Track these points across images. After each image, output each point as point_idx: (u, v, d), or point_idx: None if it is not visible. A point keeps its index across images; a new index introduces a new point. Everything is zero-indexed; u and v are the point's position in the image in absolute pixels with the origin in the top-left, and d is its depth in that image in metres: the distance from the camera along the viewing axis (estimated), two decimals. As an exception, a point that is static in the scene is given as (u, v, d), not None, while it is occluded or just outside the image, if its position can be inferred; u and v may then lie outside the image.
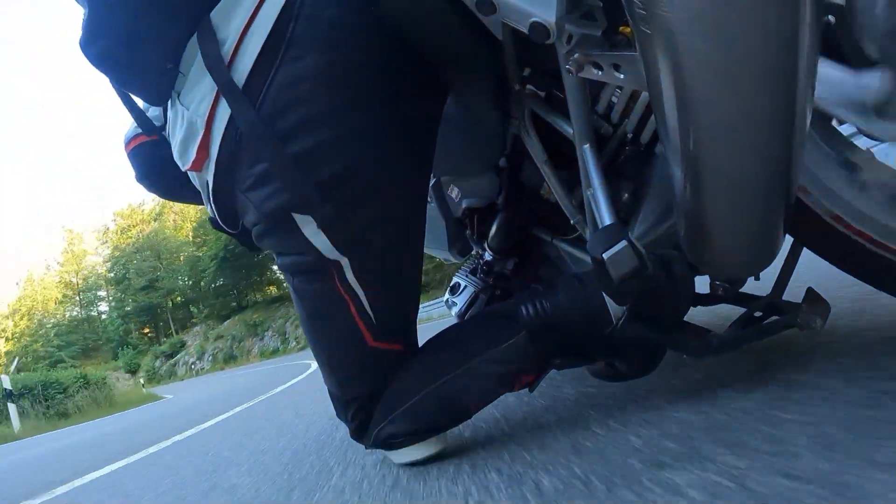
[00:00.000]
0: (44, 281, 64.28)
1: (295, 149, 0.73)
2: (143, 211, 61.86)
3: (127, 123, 1.05)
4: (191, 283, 53.17)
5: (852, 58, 0.53)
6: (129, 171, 1.06)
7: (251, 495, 1.00)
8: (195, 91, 0.77)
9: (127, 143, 1.07)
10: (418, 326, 0.91)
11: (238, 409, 3.35)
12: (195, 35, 0.76)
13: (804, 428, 0.54)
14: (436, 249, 1.43)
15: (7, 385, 10.73)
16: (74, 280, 63.41)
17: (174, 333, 53.76)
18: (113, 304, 59.90)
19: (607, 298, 0.74)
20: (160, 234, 57.58)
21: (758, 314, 0.79)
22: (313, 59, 0.72)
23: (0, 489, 2.41)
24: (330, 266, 0.79)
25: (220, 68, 0.73)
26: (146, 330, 57.90)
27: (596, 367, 0.83)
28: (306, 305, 0.86)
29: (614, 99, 0.81)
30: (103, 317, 61.02)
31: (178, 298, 56.12)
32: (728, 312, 0.81)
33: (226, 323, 44.35)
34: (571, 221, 0.92)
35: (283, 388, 4.29)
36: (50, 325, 59.86)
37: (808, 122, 0.46)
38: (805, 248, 0.75)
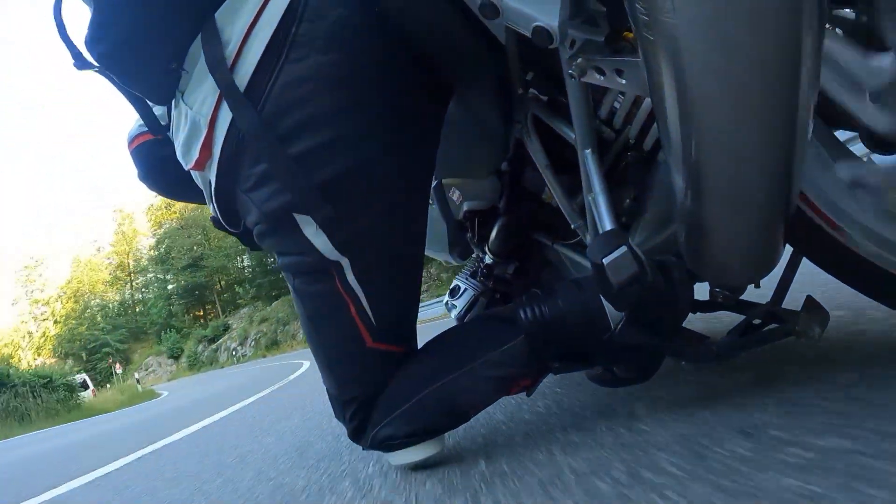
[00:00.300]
0: (90, 262, 61.56)
1: (296, 149, 0.73)
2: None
3: (127, 122, 1.05)
4: (239, 261, 47.97)
5: (867, 41, 0.53)
6: (128, 170, 1.06)
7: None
8: (199, 91, 0.77)
9: (130, 142, 1.07)
10: (418, 327, 0.91)
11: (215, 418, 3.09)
12: (199, 35, 0.77)
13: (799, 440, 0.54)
14: (436, 252, 1.43)
15: None
16: (125, 261, 60.88)
17: (220, 316, 49.45)
18: (155, 283, 56.53)
19: (606, 304, 0.74)
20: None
21: (757, 322, 0.79)
22: (316, 59, 0.73)
23: None
24: (330, 266, 0.79)
25: (222, 69, 0.74)
26: (200, 312, 53.74)
27: (594, 372, 0.83)
28: (306, 306, 0.86)
29: (617, 104, 0.81)
30: (140, 296, 57.78)
31: (224, 279, 51.40)
32: (728, 320, 0.81)
33: (273, 304, 38.99)
34: (572, 226, 0.92)
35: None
36: (96, 308, 57.40)
37: (810, 130, 0.46)
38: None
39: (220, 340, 42.71)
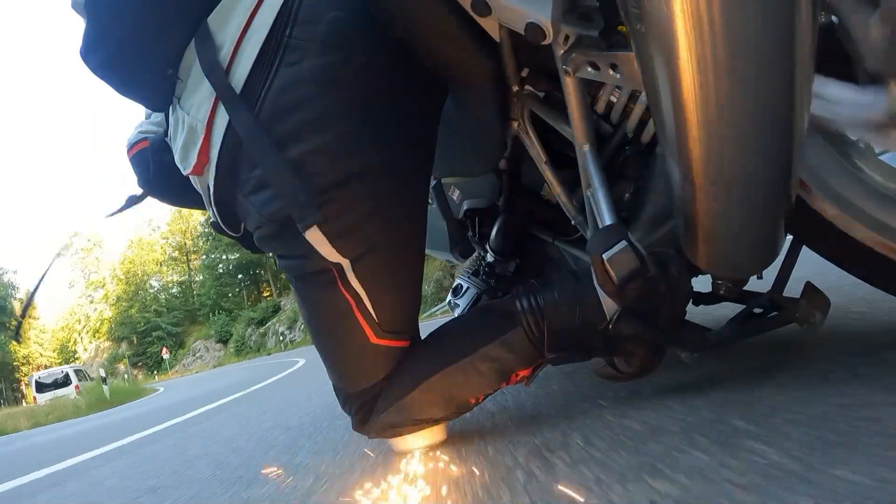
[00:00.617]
0: (141, 241, 57.91)
1: (294, 153, 0.73)
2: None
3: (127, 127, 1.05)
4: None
5: (855, 72, 0.52)
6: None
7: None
8: (195, 96, 0.77)
9: (129, 149, 1.07)
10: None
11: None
12: (193, 41, 0.77)
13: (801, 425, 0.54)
14: (438, 251, 1.43)
15: None
16: (182, 240, 56.74)
17: (273, 296, 44.07)
18: (204, 261, 51.82)
19: (602, 295, 0.74)
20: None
21: (757, 311, 0.78)
22: (311, 62, 0.73)
23: None
24: (332, 268, 0.80)
25: (217, 73, 0.74)
26: (255, 293, 48.46)
27: (598, 366, 0.83)
28: (309, 307, 0.86)
29: (613, 99, 0.80)
30: (199, 278, 52.77)
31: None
32: (731, 311, 0.80)
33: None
34: (572, 222, 0.92)
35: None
36: (148, 289, 54.52)
37: (807, 119, 0.46)
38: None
39: (269, 324, 38.01)
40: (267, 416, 2.13)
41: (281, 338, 34.03)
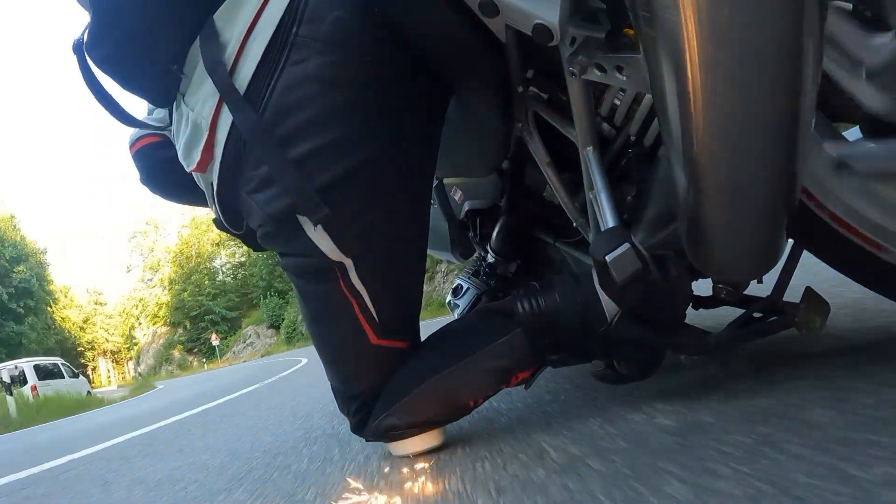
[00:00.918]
0: (196, 221, 53.63)
1: (298, 151, 0.73)
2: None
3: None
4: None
5: (870, 21, 0.53)
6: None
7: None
8: (199, 93, 0.77)
9: (132, 145, 1.07)
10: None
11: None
12: (199, 37, 0.77)
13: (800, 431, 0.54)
14: (439, 251, 1.43)
15: None
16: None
17: None
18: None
19: (603, 297, 0.74)
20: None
21: (757, 315, 0.79)
22: (316, 61, 0.73)
23: None
24: (334, 267, 0.80)
25: (221, 72, 0.74)
26: None
27: (597, 369, 0.83)
28: (311, 306, 0.86)
29: (617, 101, 0.81)
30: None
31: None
32: (732, 315, 0.81)
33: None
34: (574, 224, 0.92)
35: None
36: (202, 272, 50.22)
37: (812, 125, 0.46)
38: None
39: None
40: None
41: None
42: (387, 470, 0.84)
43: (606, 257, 0.65)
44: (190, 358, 44.55)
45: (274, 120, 0.74)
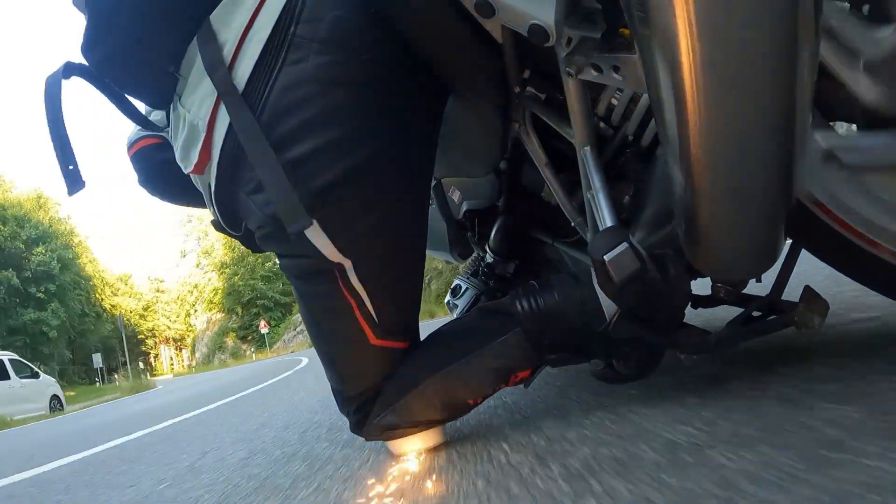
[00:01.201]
0: None
1: (295, 153, 0.73)
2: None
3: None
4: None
5: (871, 13, 0.53)
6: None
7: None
8: (196, 94, 0.77)
9: (129, 147, 1.07)
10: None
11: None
12: (195, 38, 0.77)
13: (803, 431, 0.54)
14: (437, 251, 1.43)
15: None
16: None
17: None
18: None
19: (602, 297, 0.74)
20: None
21: (756, 314, 0.79)
22: (314, 61, 0.73)
23: None
24: (333, 268, 0.80)
25: (219, 72, 0.74)
26: None
27: (596, 368, 0.83)
28: (310, 307, 0.86)
29: (615, 101, 0.81)
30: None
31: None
32: (730, 315, 0.81)
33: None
34: (572, 224, 0.92)
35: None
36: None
37: (809, 123, 0.46)
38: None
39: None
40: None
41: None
42: (387, 469, 0.84)
43: (605, 257, 0.65)
44: (244, 346, 42.75)
45: (272, 121, 0.73)
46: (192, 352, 53.83)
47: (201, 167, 0.80)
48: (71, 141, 0.86)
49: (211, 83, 0.75)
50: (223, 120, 0.75)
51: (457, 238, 1.33)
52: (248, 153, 0.74)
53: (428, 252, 1.27)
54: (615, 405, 0.84)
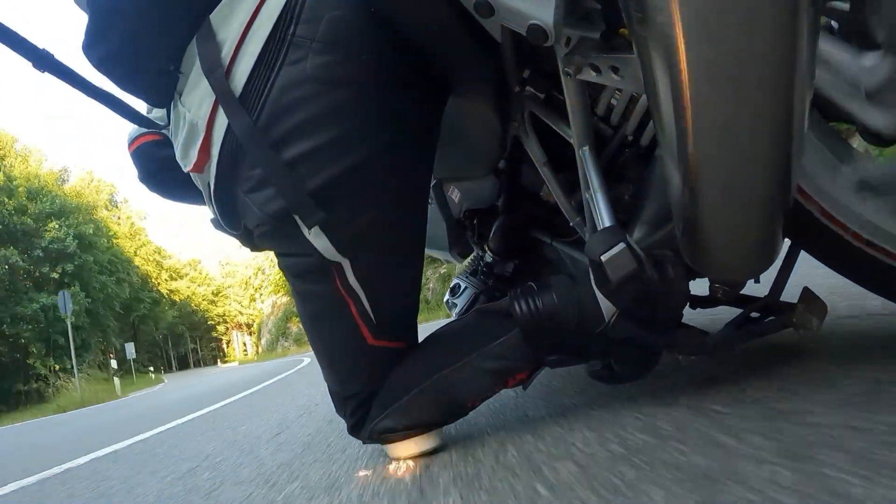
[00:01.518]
0: None
1: (294, 152, 0.73)
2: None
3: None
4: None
5: (859, 41, 0.53)
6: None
7: None
8: (196, 93, 0.77)
9: (130, 144, 1.08)
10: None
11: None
12: (195, 37, 0.77)
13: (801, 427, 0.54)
14: (436, 250, 1.43)
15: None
16: None
17: None
18: None
19: (600, 298, 0.74)
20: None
21: (755, 315, 0.79)
22: (313, 61, 0.73)
23: None
24: (331, 267, 0.80)
25: (217, 73, 0.74)
26: None
27: (594, 368, 0.83)
28: (307, 306, 0.86)
29: (614, 101, 0.81)
30: None
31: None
32: (729, 315, 0.81)
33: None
34: (571, 223, 0.92)
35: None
36: None
37: (806, 124, 0.46)
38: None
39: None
40: None
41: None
42: (384, 471, 0.84)
43: (602, 257, 0.65)
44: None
45: (271, 120, 0.74)
46: (258, 338, 53.14)
47: (200, 166, 0.80)
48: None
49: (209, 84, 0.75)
50: (222, 119, 0.75)
51: (456, 237, 1.33)
52: (252, 152, 0.74)
53: (427, 251, 1.27)
54: (618, 406, 0.84)
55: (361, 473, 0.86)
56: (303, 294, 0.86)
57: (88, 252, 30.27)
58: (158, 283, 43.97)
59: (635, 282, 0.65)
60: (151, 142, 1.06)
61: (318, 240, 0.77)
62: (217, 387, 6.32)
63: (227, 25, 0.75)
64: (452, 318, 1.10)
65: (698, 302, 0.88)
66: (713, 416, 0.66)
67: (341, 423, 0.93)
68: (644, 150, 0.82)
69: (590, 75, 0.64)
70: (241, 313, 57.02)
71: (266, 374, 6.59)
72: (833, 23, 0.62)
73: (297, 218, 0.76)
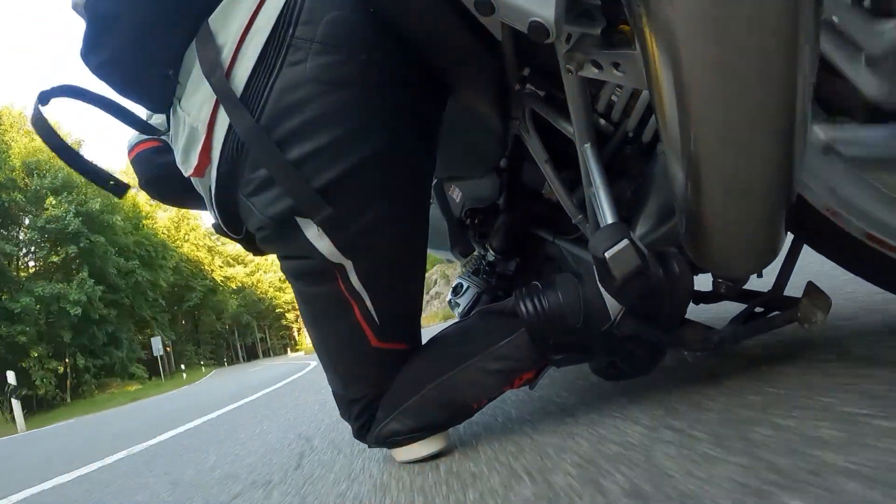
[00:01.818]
0: None
1: (296, 153, 0.73)
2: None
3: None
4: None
5: (874, 6, 0.53)
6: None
7: None
8: (195, 97, 0.77)
9: (130, 150, 1.08)
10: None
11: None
12: (194, 41, 0.77)
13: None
14: (438, 250, 1.43)
15: None
16: None
17: None
18: None
19: (605, 296, 0.74)
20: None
21: (759, 310, 0.79)
22: (313, 62, 0.73)
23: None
24: (334, 269, 0.80)
25: (217, 75, 0.74)
26: None
27: (598, 365, 0.83)
28: (311, 308, 0.86)
29: (615, 98, 0.81)
30: None
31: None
32: (732, 310, 0.81)
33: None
34: (573, 221, 0.92)
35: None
36: None
37: (809, 118, 0.46)
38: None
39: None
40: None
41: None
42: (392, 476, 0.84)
43: (605, 254, 0.65)
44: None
45: (272, 122, 0.73)
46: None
47: (201, 170, 0.80)
48: (91, 161, 0.87)
49: (210, 87, 0.75)
50: (222, 123, 0.75)
51: (458, 237, 1.33)
52: (255, 154, 0.74)
53: (429, 251, 1.27)
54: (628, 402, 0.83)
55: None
56: (305, 296, 0.86)
57: (103, 233, 25.87)
58: (212, 270, 42.13)
59: (640, 278, 0.65)
60: (151, 148, 1.06)
61: (320, 241, 0.77)
62: (233, 391, 5.76)
63: (226, 28, 0.75)
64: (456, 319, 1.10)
65: (702, 298, 0.88)
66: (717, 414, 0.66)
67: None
68: (646, 146, 0.82)
69: (591, 72, 0.64)
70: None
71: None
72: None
73: (298, 220, 0.76)
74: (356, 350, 0.84)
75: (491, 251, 1.25)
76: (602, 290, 0.74)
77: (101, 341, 24.64)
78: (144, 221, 33.42)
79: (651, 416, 0.73)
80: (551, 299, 0.77)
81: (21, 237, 24.45)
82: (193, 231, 43.20)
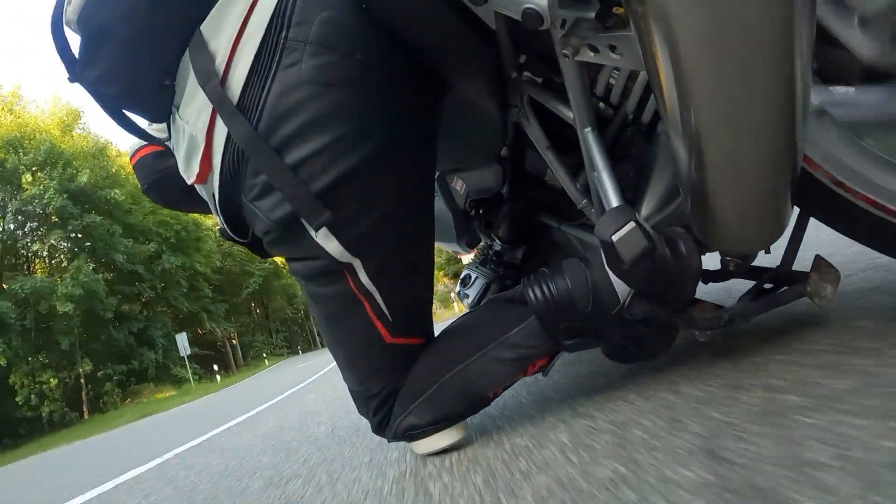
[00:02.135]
0: None
1: (296, 156, 0.73)
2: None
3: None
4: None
5: None
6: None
7: None
8: (192, 105, 0.77)
9: (132, 156, 1.08)
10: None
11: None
12: (188, 49, 0.77)
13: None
14: (445, 242, 1.43)
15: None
16: None
17: None
18: None
19: (614, 279, 0.74)
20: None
21: (768, 286, 0.78)
22: (308, 64, 0.73)
23: None
24: (343, 268, 0.80)
25: (212, 84, 0.74)
26: None
27: (610, 349, 0.83)
28: (322, 309, 0.87)
29: (612, 80, 0.80)
30: None
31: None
32: (741, 288, 0.80)
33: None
34: (578, 206, 0.92)
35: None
36: None
37: (810, 91, 0.46)
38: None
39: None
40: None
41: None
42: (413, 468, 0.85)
43: (612, 237, 0.64)
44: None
45: (270, 126, 0.73)
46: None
47: (203, 177, 0.80)
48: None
49: (205, 95, 0.75)
50: (221, 129, 0.76)
51: (463, 228, 1.33)
52: (254, 159, 0.74)
53: (437, 244, 1.27)
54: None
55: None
56: (316, 297, 0.86)
57: (108, 212, 21.49)
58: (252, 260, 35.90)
59: (648, 260, 0.65)
60: (152, 154, 1.07)
61: (327, 242, 0.78)
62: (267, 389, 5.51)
63: (218, 35, 0.75)
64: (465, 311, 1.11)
65: (710, 276, 0.88)
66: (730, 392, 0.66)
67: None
68: (646, 127, 0.81)
69: (588, 56, 0.63)
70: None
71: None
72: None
73: (304, 222, 0.77)
74: (370, 347, 0.84)
75: (497, 240, 1.25)
76: (610, 273, 0.74)
77: (124, 343, 20.94)
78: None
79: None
80: (560, 285, 0.77)
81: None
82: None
